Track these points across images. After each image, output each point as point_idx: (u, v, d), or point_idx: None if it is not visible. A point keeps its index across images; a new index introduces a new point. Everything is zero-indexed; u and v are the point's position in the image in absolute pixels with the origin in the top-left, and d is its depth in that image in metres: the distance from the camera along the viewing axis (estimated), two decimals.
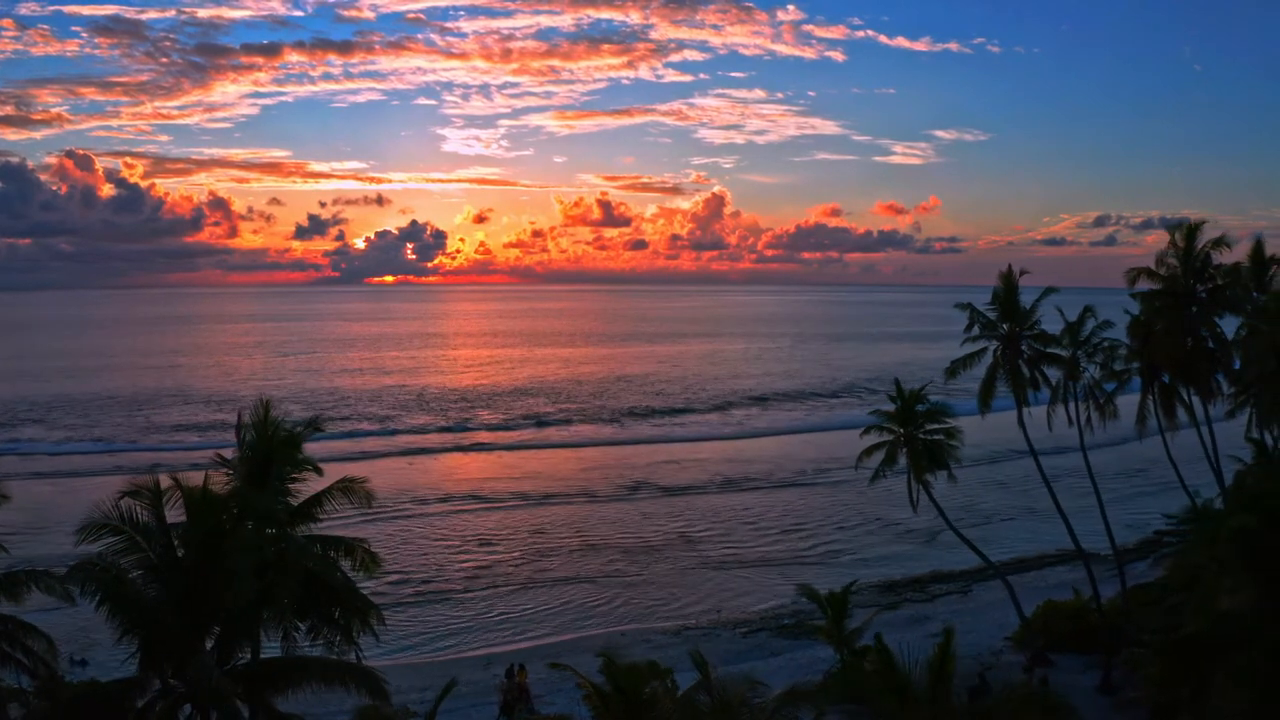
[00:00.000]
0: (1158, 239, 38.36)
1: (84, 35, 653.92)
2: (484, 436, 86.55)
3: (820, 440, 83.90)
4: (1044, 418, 35.95)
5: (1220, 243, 36.66)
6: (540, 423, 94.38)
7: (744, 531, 54.60)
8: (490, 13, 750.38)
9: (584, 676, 19.50)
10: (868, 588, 45.50)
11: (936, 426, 33.66)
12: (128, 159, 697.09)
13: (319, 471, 24.01)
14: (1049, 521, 44.50)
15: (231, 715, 17.40)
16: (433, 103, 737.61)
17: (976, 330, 35.01)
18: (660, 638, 38.14)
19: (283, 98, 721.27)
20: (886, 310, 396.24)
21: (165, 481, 18.76)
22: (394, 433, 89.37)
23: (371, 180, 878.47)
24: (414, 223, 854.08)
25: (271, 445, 22.55)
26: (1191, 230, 36.68)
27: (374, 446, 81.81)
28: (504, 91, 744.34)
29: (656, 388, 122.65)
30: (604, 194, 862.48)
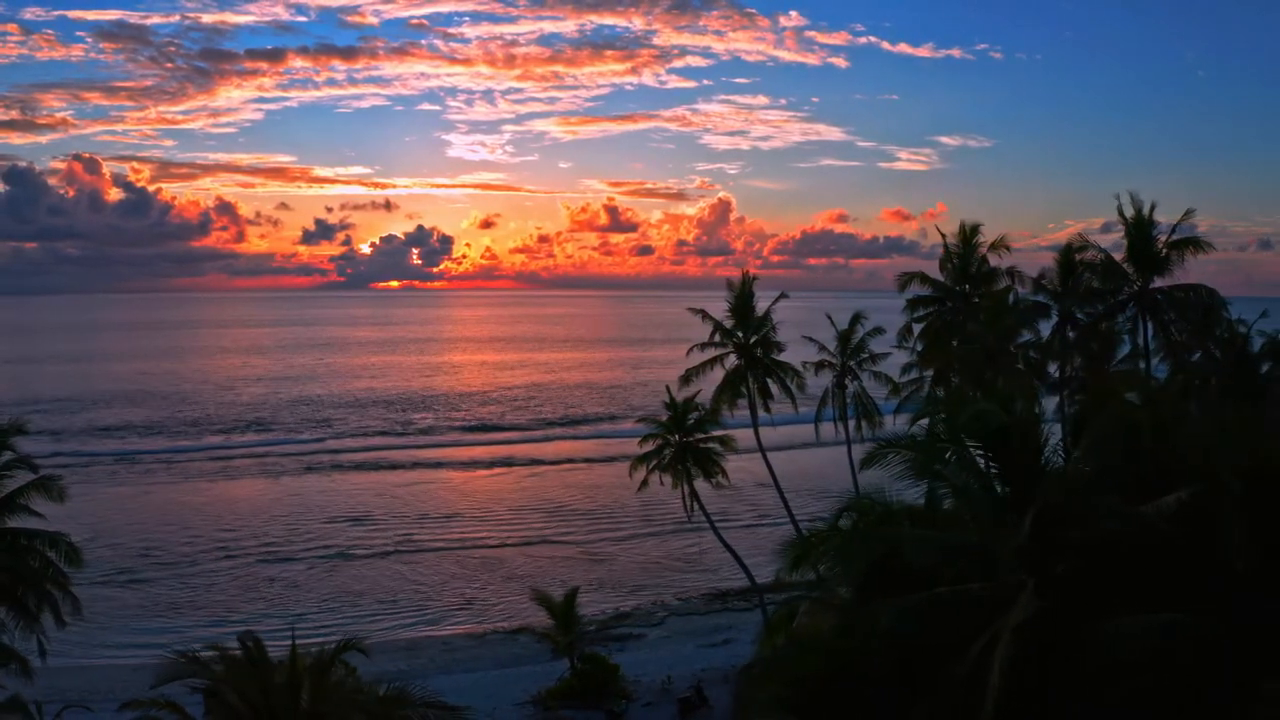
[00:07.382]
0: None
1: (88, 40, 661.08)
2: (398, 454, 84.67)
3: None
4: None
5: (999, 245, 36.70)
6: (478, 441, 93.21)
7: (609, 542, 55.48)
8: (493, 18, 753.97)
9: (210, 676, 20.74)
10: (699, 596, 46.50)
11: (706, 436, 34.67)
12: (134, 164, 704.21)
13: (33, 469, 25.86)
14: None
15: None
16: (436, 108, 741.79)
17: (717, 337, 35.67)
18: (460, 641, 39.51)
19: (287, 103, 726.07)
20: (881, 316, 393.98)
21: None
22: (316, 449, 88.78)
23: (376, 186, 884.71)
24: (420, 228, 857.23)
25: None
26: (968, 231, 36.40)
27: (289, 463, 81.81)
28: (508, 97, 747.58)
29: (620, 395, 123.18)
30: (610, 200, 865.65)
